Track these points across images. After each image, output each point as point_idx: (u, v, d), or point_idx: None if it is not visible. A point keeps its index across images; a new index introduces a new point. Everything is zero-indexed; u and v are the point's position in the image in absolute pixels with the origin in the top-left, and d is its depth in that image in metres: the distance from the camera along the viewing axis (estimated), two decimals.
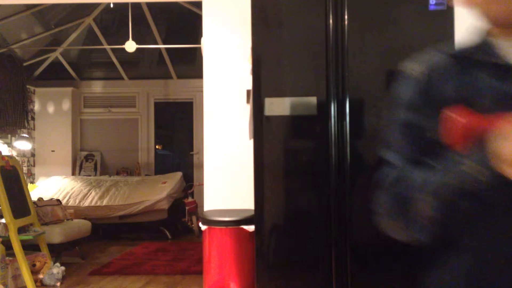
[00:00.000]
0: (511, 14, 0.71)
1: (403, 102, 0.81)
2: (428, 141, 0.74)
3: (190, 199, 6.64)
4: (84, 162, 7.58)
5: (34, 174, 7.34)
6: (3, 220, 3.86)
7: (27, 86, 7.14)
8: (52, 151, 7.40)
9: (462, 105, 0.67)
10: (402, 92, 0.82)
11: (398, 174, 0.76)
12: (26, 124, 6.99)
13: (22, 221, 4.00)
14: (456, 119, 0.66)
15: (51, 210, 4.84)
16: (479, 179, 0.65)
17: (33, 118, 7.41)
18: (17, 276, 3.90)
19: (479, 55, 0.74)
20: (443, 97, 0.75)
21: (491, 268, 0.72)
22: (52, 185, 6.65)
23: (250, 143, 2.51)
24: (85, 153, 7.66)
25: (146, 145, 7.77)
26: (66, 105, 7.48)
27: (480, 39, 0.77)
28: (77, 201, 6.29)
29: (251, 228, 2.56)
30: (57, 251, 4.56)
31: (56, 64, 7.43)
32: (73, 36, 6.96)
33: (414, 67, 0.82)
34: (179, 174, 6.72)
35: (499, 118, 0.64)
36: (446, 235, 0.73)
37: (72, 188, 6.56)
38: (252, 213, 2.43)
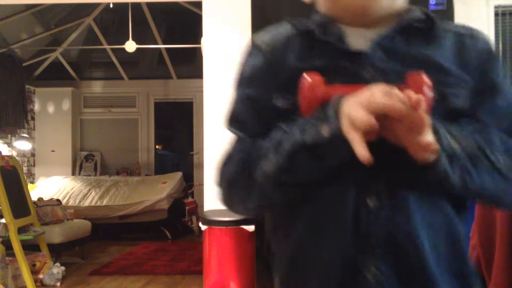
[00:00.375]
0: (358, 8, 0.75)
1: (247, 76, 0.82)
2: (277, 111, 0.76)
3: (190, 199, 6.64)
4: (84, 162, 7.58)
5: (34, 174, 7.34)
6: (3, 220, 3.86)
7: (27, 86, 7.15)
8: (52, 151, 7.40)
9: (316, 74, 0.69)
10: (250, 63, 0.82)
11: (246, 147, 0.78)
12: (25, 124, 7.00)
13: (22, 221, 4.00)
14: (305, 87, 0.70)
15: (51, 210, 4.84)
16: (322, 140, 0.67)
17: (33, 118, 7.41)
18: (17, 276, 3.90)
19: (326, 36, 0.77)
20: (288, 69, 0.77)
21: (323, 233, 0.73)
22: (52, 185, 6.65)
23: None
24: (85, 153, 7.66)
25: (146, 145, 7.77)
26: (66, 105, 7.48)
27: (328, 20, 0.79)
28: (77, 201, 6.29)
29: (251, 228, 2.56)
30: (57, 251, 4.56)
31: (56, 64, 7.43)
32: (73, 36, 6.96)
33: (263, 37, 0.83)
34: (179, 174, 6.72)
35: (348, 88, 0.68)
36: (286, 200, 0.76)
37: (72, 188, 6.57)
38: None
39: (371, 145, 0.64)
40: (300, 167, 0.70)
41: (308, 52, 0.77)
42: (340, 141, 0.65)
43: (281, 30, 0.82)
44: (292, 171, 0.71)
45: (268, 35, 0.83)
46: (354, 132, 0.63)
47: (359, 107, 0.63)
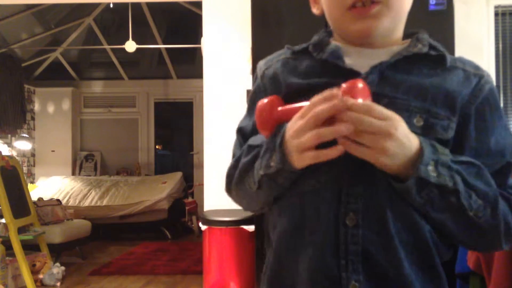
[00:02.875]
0: (359, 31, 0.77)
1: (252, 97, 0.90)
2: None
3: (190, 199, 6.64)
4: (84, 162, 7.58)
5: (34, 174, 7.34)
6: (3, 220, 3.86)
7: (27, 86, 7.15)
8: (52, 151, 7.40)
9: (274, 97, 0.73)
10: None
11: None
12: (24, 124, 6.99)
13: (22, 221, 4.00)
14: (260, 109, 0.72)
15: (51, 210, 4.84)
16: (271, 164, 0.72)
17: (33, 118, 7.41)
18: (17, 276, 3.90)
19: (323, 55, 0.80)
20: (287, 87, 0.81)
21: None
22: (52, 185, 6.65)
23: None
24: (85, 153, 7.66)
25: (146, 145, 7.77)
26: (66, 105, 7.48)
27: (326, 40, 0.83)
28: (77, 201, 6.29)
29: (251, 228, 2.56)
30: (57, 251, 4.56)
31: (56, 64, 7.43)
32: (73, 36, 6.96)
33: (261, 63, 0.89)
34: (179, 174, 6.72)
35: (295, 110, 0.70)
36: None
37: (72, 188, 6.56)
38: (252, 213, 2.42)
39: (346, 163, 0.68)
40: (263, 184, 0.76)
41: (307, 71, 0.80)
42: (287, 171, 0.71)
43: (279, 53, 0.87)
44: (260, 187, 0.77)
45: (265, 60, 0.88)
46: (307, 153, 0.67)
47: (301, 129, 0.67)
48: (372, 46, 0.78)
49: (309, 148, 0.67)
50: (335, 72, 0.76)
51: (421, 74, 0.76)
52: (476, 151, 0.76)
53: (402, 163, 0.68)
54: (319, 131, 0.65)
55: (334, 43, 0.81)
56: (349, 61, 0.77)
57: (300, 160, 0.69)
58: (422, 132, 0.71)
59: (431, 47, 0.78)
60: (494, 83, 0.82)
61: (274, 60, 0.86)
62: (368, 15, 0.74)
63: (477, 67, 0.80)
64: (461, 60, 0.81)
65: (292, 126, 0.69)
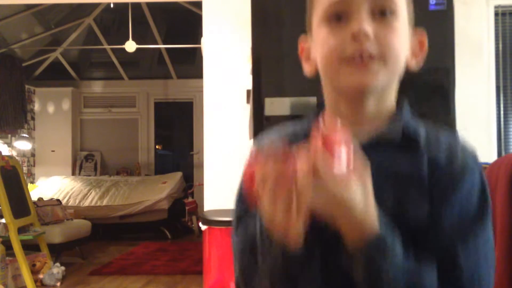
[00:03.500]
0: (355, 85, 0.74)
1: None
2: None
3: (190, 199, 6.64)
4: (84, 162, 7.58)
5: (34, 174, 7.34)
6: (3, 220, 3.86)
7: (27, 86, 7.15)
8: (52, 151, 7.40)
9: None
10: None
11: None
12: (24, 124, 6.99)
13: (22, 221, 4.00)
14: (245, 181, 0.65)
15: (51, 210, 4.85)
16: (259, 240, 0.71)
17: (33, 118, 7.41)
18: (17, 276, 3.90)
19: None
20: None
21: None
22: (52, 185, 6.65)
23: (250, 143, 2.51)
24: (85, 153, 7.66)
25: (146, 145, 7.77)
26: (66, 105, 7.47)
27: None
28: (77, 201, 6.29)
29: None
30: (57, 251, 4.56)
31: (56, 64, 7.43)
32: (73, 36, 6.96)
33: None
34: (179, 174, 6.72)
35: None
36: None
37: (72, 188, 6.57)
38: None
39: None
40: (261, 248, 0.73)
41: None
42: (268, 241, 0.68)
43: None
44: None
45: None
46: (277, 223, 0.61)
47: (267, 199, 0.61)
48: (360, 124, 0.77)
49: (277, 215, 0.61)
50: None
51: (397, 155, 0.75)
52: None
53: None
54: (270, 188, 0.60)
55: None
56: None
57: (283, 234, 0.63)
58: (397, 219, 0.69)
59: (406, 135, 0.76)
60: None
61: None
62: (366, 69, 0.72)
63: (460, 143, 0.78)
64: (447, 136, 0.78)
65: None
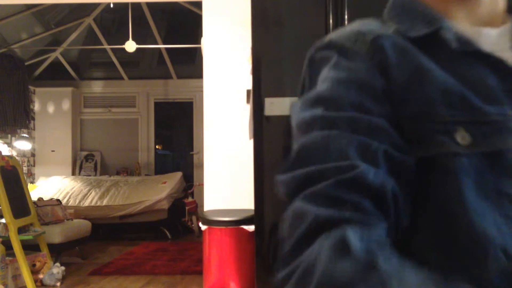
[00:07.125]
0: None
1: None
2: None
3: (190, 199, 6.64)
4: (84, 162, 7.58)
5: (34, 174, 7.34)
6: (3, 220, 3.86)
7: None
8: (52, 151, 7.40)
9: None
10: None
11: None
12: (27, 124, 6.99)
13: (22, 221, 4.00)
14: None
15: (51, 210, 4.84)
16: None
17: (33, 118, 7.41)
18: (17, 276, 3.90)
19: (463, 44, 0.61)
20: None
21: None
22: (52, 185, 6.65)
23: (250, 143, 2.51)
24: (85, 153, 7.66)
25: (146, 145, 7.77)
26: (66, 105, 7.48)
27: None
28: (77, 201, 6.29)
29: (251, 228, 2.56)
30: (57, 251, 4.56)
31: (56, 64, 7.43)
32: (73, 36, 6.96)
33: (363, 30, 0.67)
34: (179, 174, 6.72)
35: None
36: None
37: (72, 188, 6.56)
38: (252, 213, 2.43)
39: None
40: None
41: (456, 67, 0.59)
42: None
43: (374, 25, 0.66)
44: None
45: (363, 28, 0.67)
46: None
47: None
48: (482, 21, 0.63)
49: None
50: (499, 71, 0.58)
51: None
52: None
53: None
54: None
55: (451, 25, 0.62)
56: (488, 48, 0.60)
57: None
58: None
59: None
60: None
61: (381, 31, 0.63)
62: None
63: None
64: None
65: None
